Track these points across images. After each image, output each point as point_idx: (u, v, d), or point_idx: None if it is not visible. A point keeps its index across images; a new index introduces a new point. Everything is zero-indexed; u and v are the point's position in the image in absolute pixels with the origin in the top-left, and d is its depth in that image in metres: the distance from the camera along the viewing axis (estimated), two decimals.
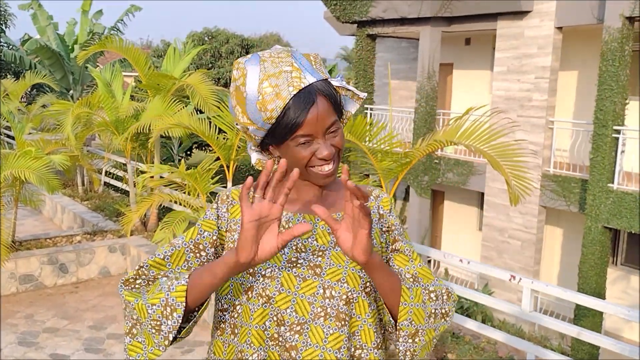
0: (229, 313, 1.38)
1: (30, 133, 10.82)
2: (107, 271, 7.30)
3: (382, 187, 4.60)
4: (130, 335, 1.32)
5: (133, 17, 17.68)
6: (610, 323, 10.68)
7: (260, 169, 1.45)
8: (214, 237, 1.39)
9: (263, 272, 1.32)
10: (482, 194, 11.98)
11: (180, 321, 1.25)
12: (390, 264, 1.43)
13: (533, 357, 3.96)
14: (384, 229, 1.44)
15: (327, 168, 1.31)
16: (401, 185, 14.53)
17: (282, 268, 1.33)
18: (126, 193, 10.07)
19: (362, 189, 1.35)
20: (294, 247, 1.35)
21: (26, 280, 6.76)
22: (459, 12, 11.35)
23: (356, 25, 13.28)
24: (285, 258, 1.34)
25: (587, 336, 3.62)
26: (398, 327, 1.32)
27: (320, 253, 1.35)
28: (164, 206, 8.19)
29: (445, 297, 1.42)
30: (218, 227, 1.40)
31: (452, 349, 4.50)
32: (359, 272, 1.35)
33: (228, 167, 6.30)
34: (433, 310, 1.37)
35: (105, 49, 8.16)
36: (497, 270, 4.31)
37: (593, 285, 9.25)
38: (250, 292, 1.33)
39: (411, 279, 1.37)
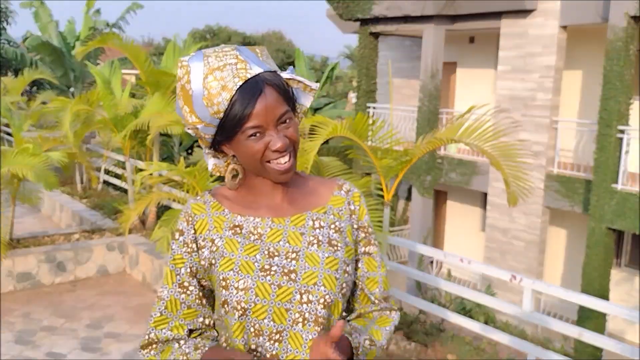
0: (218, 323, 1.39)
1: (29, 130, 10.78)
2: (105, 270, 7.25)
3: (382, 185, 4.53)
4: None
5: (135, 15, 17.64)
6: (614, 325, 10.58)
7: (218, 174, 1.40)
8: (189, 269, 1.35)
9: (236, 285, 1.27)
10: (485, 194, 11.89)
11: None
12: (359, 266, 1.43)
13: (534, 358, 3.88)
14: (355, 226, 1.41)
15: (284, 160, 1.26)
16: (404, 185, 14.45)
17: (255, 278, 1.27)
18: (125, 191, 10.01)
19: (339, 183, 1.41)
20: (266, 253, 1.29)
21: (24, 279, 6.71)
22: (462, 10, 11.26)
23: (359, 23, 13.20)
24: (258, 266, 1.28)
25: (588, 337, 3.54)
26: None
27: (294, 255, 1.30)
28: (162, 204, 8.13)
29: (392, 332, 1.48)
30: (190, 255, 1.35)
31: (453, 349, 4.42)
32: (334, 273, 1.30)
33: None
34: (385, 346, 1.44)
35: (105, 45, 8.10)
36: (497, 270, 4.23)
37: (597, 287, 9.16)
38: (226, 306, 1.28)
39: (368, 345, 1.35)
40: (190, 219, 1.35)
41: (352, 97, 19.83)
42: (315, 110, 17.64)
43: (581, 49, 11.23)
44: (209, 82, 1.22)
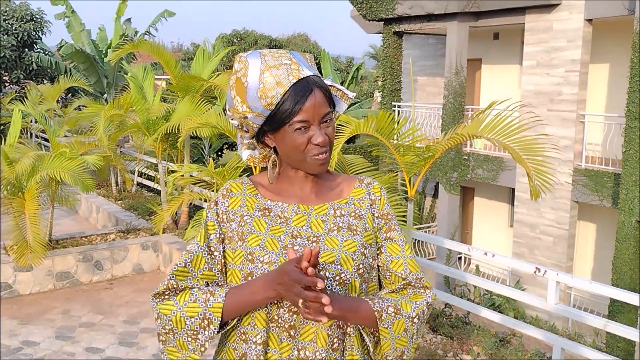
0: None
1: (65, 136, 11.15)
2: (141, 268, 7.49)
3: (405, 181, 4.64)
4: (162, 342, 1.45)
5: (166, 21, 17.97)
6: None
7: (251, 165, 1.56)
8: (218, 236, 1.48)
9: (262, 259, 1.40)
10: (513, 189, 11.86)
11: (216, 332, 1.39)
12: (383, 252, 1.51)
13: (559, 349, 3.94)
14: (376, 214, 1.52)
15: (322, 156, 1.40)
16: (430, 182, 14.47)
17: (279, 254, 1.40)
18: (158, 192, 10.29)
19: (360, 178, 1.55)
20: (289, 234, 1.43)
21: (63, 277, 6.98)
22: (486, 7, 11.26)
23: (383, 23, 13.28)
24: (282, 244, 1.41)
25: (613, 327, 3.59)
26: (383, 355, 1.45)
27: (315, 239, 1.43)
28: (194, 204, 8.36)
29: (426, 308, 1.50)
30: (220, 225, 1.49)
31: (478, 342, 4.50)
32: (351, 254, 1.42)
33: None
34: (416, 330, 1.47)
35: (138, 50, 8.34)
36: (521, 263, 4.30)
37: (627, 281, 9.08)
38: (250, 278, 1.40)
39: (393, 313, 1.42)
40: (228, 193, 1.50)
41: (378, 96, 19.87)
42: None
43: (607, 42, 11.13)
44: (265, 77, 1.37)
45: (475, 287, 9.96)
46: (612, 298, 7.80)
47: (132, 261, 7.43)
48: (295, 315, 1.39)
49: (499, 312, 7.99)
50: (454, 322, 4.92)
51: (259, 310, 1.40)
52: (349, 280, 1.41)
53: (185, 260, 1.47)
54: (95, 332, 5.79)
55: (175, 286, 1.45)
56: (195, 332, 1.38)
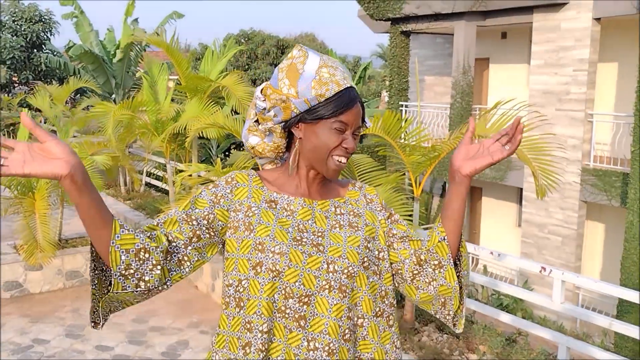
0: (234, 288, 1.46)
1: (74, 136, 11.24)
2: None
3: (411, 181, 4.66)
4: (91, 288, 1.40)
5: (174, 22, 18.06)
6: None
7: (254, 155, 1.58)
8: (206, 212, 1.47)
9: (272, 249, 1.43)
10: (521, 189, 11.83)
11: (93, 254, 1.34)
12: (393, 231, 1.58)
13: (565, 348, 3.95)
14: (377, 209, 1.59)
15: (343, 161, 1.47)
16: (438, 181, 14.46)
17: (289, 245, 1.44)
18: (166, 192, 10.36)
19: (352, 182, 1.63)
20: (296, 227, 1.47)
21: (72, 276, 7.05)
22: (494, 6, 11.24)
23: (390, 22, 13.29)
24: (291, 237, 1.45)
25: (618, 326, 3.60)
26: (459, 275, 1.50)
27: (320, 234, 1.48)
28: None
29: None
30: (214, 205, 1.48)
31: (484, 341, 4.52)
32: (356, 249, 1.48)
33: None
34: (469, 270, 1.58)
35: (153, 44, 8.35)
36: (527, 262, 4.31)
37: (636, 281, 9.04)
38: (259, 267, 1.42)
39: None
40: (232, 181, 1.52)
41: (385, 96, 19.87)
42: None
43: (616, 41, 11.08)
44: (323, 72, 1.45)
45: (483, 287, 9.96)
46: (621, 298, 7.78)
47: None
48: (305, 306, 1.42)
49: (506, 312, 8.01)
50: None
51: (266, 299, 1.41)
52: (356, 273, 1.46)
53: (159, 220, 1.47)
54: (104, 330, 5.84)
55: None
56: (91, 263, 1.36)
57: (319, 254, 1.45)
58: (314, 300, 1.43)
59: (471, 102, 11.98)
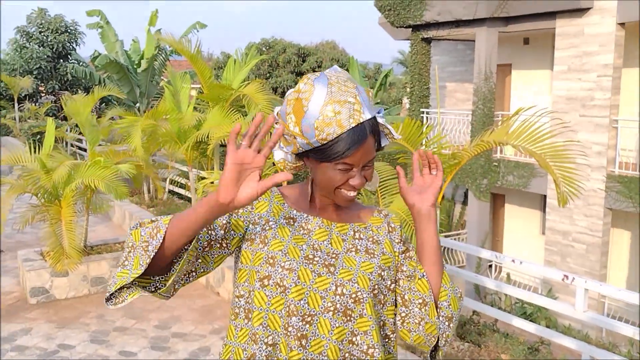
0: (244, 299, 1.48)
1: (100, 145, 11.43)
2: None
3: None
4: (121, 266, 1.39)
5: (197, 32, 18.27)
6: None
7: (282, 169, 1.57)
8: (224, 222, 1.47)
9: (282, 264, 1.43)
10: (545, 196, 11.70)
11: (161, 240, 1.33)
12: (404, 268, 1.56)
13: (588, 357, 3.90)
14: (396, 240, 1.57)
15: (352, 194, 1.45)
16: (460, 189, 14.36)
17: (300, 262, 1.43)
18: (189, 200, 10.46)
19: (378, 209, 1.63)
20: (310, 245, 1.47)
21: (97, 283, 7.16)
22: (515, 11, 11.18)
23: (411, 29, 13.28)
24: (303, 254, 1.45)
25: None
26: (438, 306, 1.51)
27: (334, 255, 1.47)
28: None
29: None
30: (231, 214, 1.48)
31: (506, 349, 4.48)
32: (369, 275, 1.47)
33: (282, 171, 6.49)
34: (461, 305, 1.55)
35: (179, 52, 8.50)
36: (550, 270, 4.27)
37: None
38: (266, 280, 1.43)
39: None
40: None
41: (406, 102, 19.82)
42: None
43: None
44: (327, 111, 1.37)
45: (506, 295, 9.84)
46: None
47: None
48: (307, 326, 1.41)
49: (530, 320, 7.91)
50: (482, 329, 4.90)
51: (272, 312, 1.41)
52: (365, 300, 1.44)
53: (170, 216, 1.47)
54: (128, 336, 5.92)
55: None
56: (146, 243, 1.34)
57: (329, 275, 1.44)
58: (316, 320, 1.42)
59: (493, 108, 11.90)
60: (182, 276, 1.46)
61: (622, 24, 9.99)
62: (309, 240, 1.47)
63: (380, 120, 1.47)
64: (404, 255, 1.55)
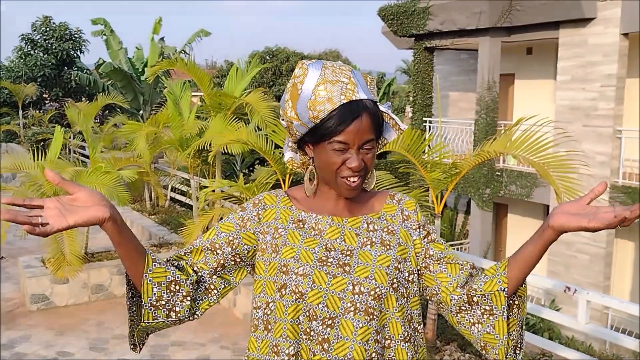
0: (262, 310, 1.46)
1: (102, 151, 11.45)
2: None
3: (432, 197, 4.63)
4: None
5: (201, 40, 18.34)
6: None
7: (291, 167, 1.57)
8: (231, 238, 1.48)
9: (296, 270, 1.41)
10: (547, 206, 11.65)
11: (127, 284, 1.39)
12: (430, 252, 1.50)
13: None
14: (413, 227, 1.51)
15: (353, 180, 1.40)
16: (463, 198, 14.33)
17: (313, 266, 1.41)
18: (190, 207, 10.46)
19: (390, 194, 1.52)
20: (323, 247, 1.44)
21: (97, 290, 7.15)
22: (519, 21, 11.18)
23: (414, 39, 13.30)
24: (316, 257, 1.42)
25: None
26: (513, 316, 1.45)
27: (349, 252, 1.44)
28: (224, 219, 8.45)
29: None
30: (240, 229, 1.49)
31: None
32: (385, 269, 1.42)
33: (284, 180, 6.48)
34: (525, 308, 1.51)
35: (173, 68, 8.56)
36: (551, 281, 4.23)
37: None
38: (283, 290, 1.41)
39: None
40: (259, 204, 1.52)
41: (409, 111, 19.86)
42: None
43: None
44: (319, 90, 1.37)
45: None
46: None
47: None
48: (329, 329, 1.38)
49: (532, 332, 7.84)
50: None
51: (290, 322, 1.40)
52: (384, 295, 1.41)
53: (186, 249, 1.49)
54: (127, 344, 5.88)
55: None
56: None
57: (345, 275, 1.41)
58: (338, 322, 1.39)
59: (496, 118, 11.89)
60: (202, 294, 1.46)
61: (625, 34, 9.98)
62: (321, 241, 1.45)
63: (384, 109, 1.45)
64: (426, 239, 1.50)
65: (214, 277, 1.47)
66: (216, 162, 8.20)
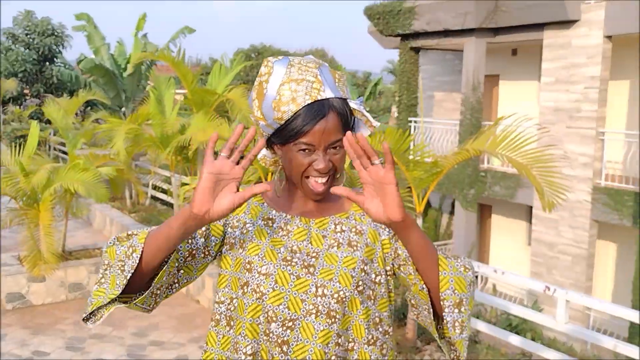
0: (225, 305, 1.43)
1: (81, 148, 11.30)
2: None
3: (414, 196, 4.59)
4: (97, 284, 1.37)
5: (185, 37, 18.19)
6: None
7: (264, 165, 1.53)
8: (204, 229, 1.43)
9: (259, 269, 1.37)
10: (531, 207, 11.69)
11: (137, 261, 1.29)
12: (399, 251, 1.43)
13: None
14: (382, 226, 1.45)
15: (321, 181, 1.36)
16: (447, 198, 14.34)
17: (277, 266, 1.37)
18: (171, 205, 10.35)
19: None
20: (289, 248, 1.40)
21: (75, 289, 7.03)
22: (504, 22, 11.21)
23: (400, 38, 13.29)
24: (281, 257, 1.39)
25: (622, 348, 3.49)
26: (441, 298, 1.33)
27: (315, 254, 1.40)
28: None
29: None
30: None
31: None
32: (351, 271, 1.38)
33: (266, 178, 6.42)
34: (471, 279, 1.38)
35: (160, 60, 8.46)
36: (531, 281, 4.21)
37: None
38: (245, 287, 1.38)
39: (447, 255, 1.38)
40: None
41: (395, 111, 19.88)
42: None
43: (627, 59, 10.98)
44: (284, 90, 1.33)
45: (491, 307, 9.78)
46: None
47: None
48: (289, 331, 1.35)
49: (515, 332, 7.85)
50: None
51: (250, 321, 1.36)
52: (348, 298, 1.37)
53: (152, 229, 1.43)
54: (105, 343, 5.81)
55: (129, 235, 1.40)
56: (122, 263, 1.31)
57: (309, 276, 1.38)
58: (298, 325, 1.36)
59: (481, 118, 11.91)
60: (164, 289, 1.41)
61: (609, 37, 10.03)
62: (288, 241, 1.41)
63: (355, 106, 1.40)
64: (395, 238, 1.43)
65: (181, 271, 1.42)
66: (197, 159, 8.11)
